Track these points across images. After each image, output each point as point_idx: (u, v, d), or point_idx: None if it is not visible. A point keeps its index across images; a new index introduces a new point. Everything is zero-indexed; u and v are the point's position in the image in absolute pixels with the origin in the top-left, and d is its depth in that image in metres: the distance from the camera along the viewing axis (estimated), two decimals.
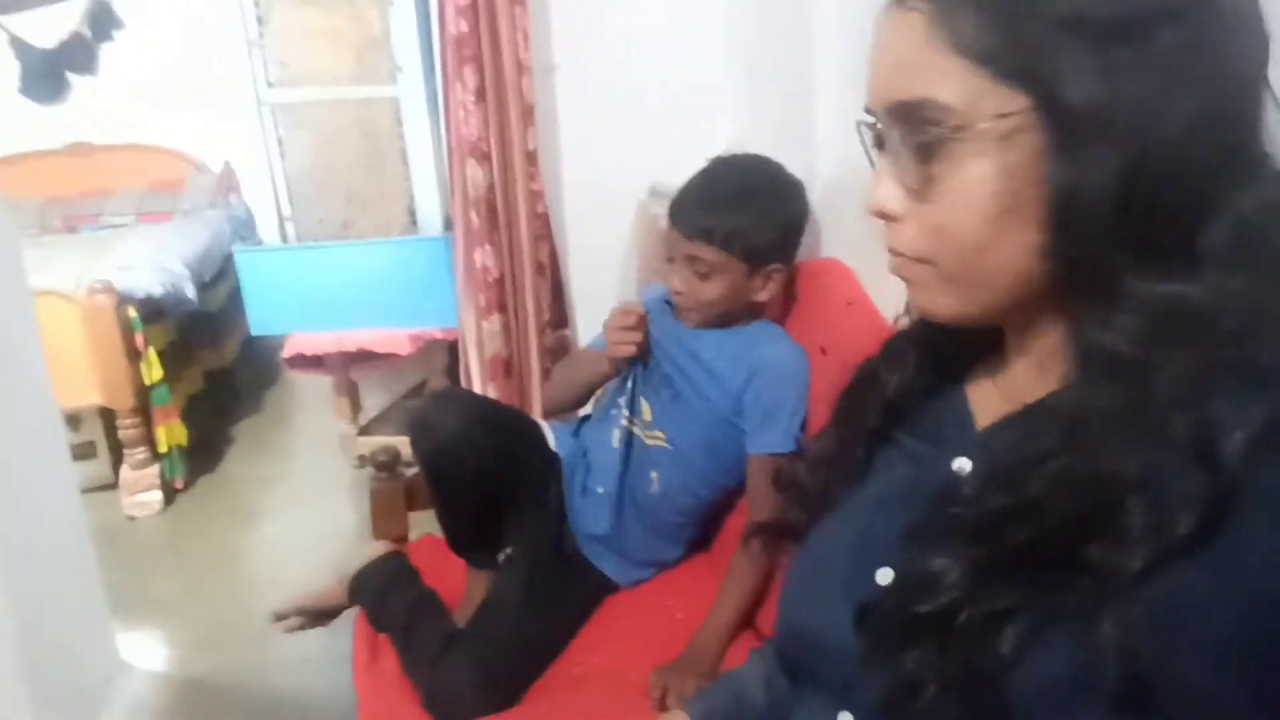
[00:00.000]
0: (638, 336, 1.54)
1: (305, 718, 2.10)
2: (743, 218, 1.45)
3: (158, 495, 3.06)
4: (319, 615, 1.67)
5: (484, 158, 2.06)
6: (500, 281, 2.10)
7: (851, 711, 0.65)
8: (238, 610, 2.53)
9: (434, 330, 3.09)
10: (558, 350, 2.20)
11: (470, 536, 1.60)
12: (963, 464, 0.65)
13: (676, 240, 1.49)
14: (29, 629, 1.81)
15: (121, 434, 3.01)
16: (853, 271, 1.61)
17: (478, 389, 2.19)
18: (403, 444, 1.82)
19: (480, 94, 2.01)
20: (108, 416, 3.09)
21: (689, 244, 1.46)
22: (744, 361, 1.49)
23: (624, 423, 1.60)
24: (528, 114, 2.07)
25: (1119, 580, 0.50)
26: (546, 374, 2.15)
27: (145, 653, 2.36)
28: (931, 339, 0.74)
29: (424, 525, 1.78)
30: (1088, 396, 0.56)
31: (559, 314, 2.22)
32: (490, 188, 2.07)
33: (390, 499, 1.82)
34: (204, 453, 3.35)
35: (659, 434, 1.56)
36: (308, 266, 3.13)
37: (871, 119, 0.64)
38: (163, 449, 3.06)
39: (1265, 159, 0.57)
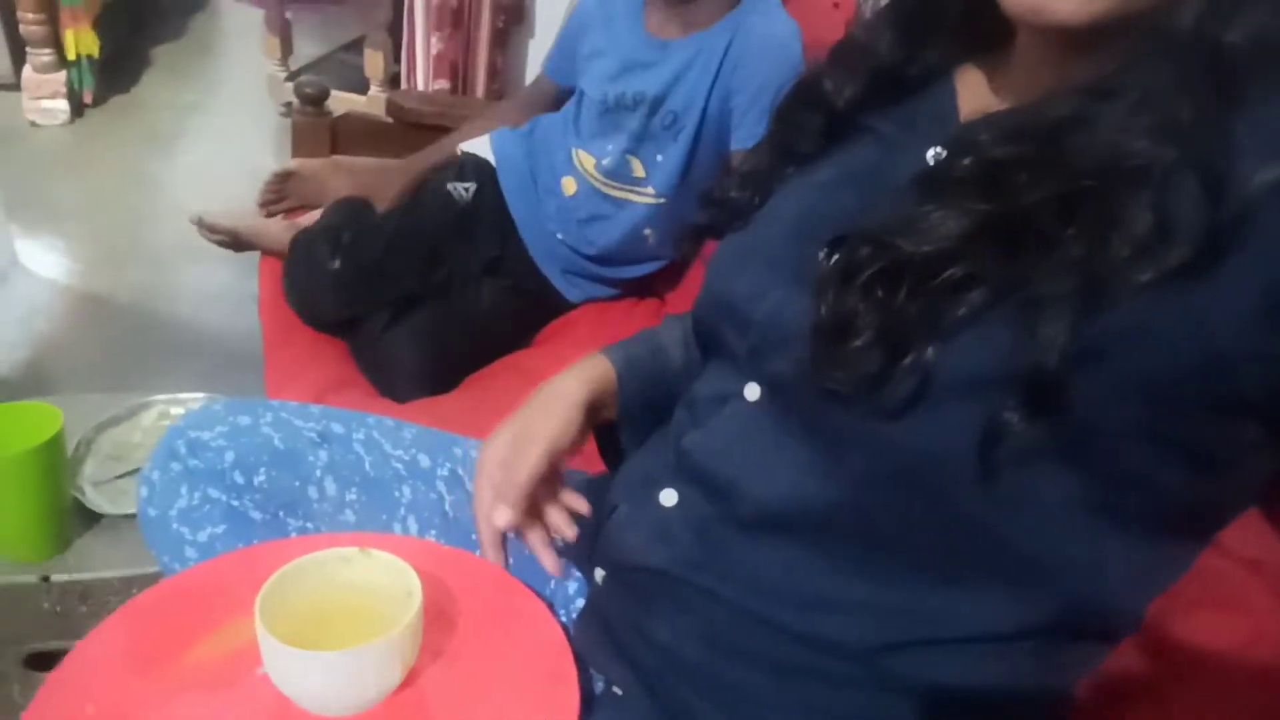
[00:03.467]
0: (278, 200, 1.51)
1: (200, 344, 2.06)
2: None
3: (64, 105, 2.86)
4: (243, 246, 1.58)
5: None
6: None
7: (759, 382, 0.64)
8: (143, 233, 2.45)
9: None
10: (513, 10, 2.03)
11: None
12: (939, 153, 0.60)
13: None
14: None
15: (23, 30, 2.76)
16: None
17: (420, 41, 2.03)
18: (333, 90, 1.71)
19: None
20: (7, 8, 2.81)
21: None
22: (723, 37, 1.29)
23: (586, 177, 1.42)
24: None
25: (1092, 280, 0.48)
26: (499, 35, 2.00)
27: (43, 260, 2.28)
28: (918, 22, 0.67)
29: None
30: (1150, 78, 0.50)
31: None
32: None
33: (314, 134, 1.71)
34: (117, 69, 3.12)
35: (649, 190, 1.39)
36: None
37: None
38: (71, 56, 2.82)
39: None
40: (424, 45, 2.02)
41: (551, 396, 0.74)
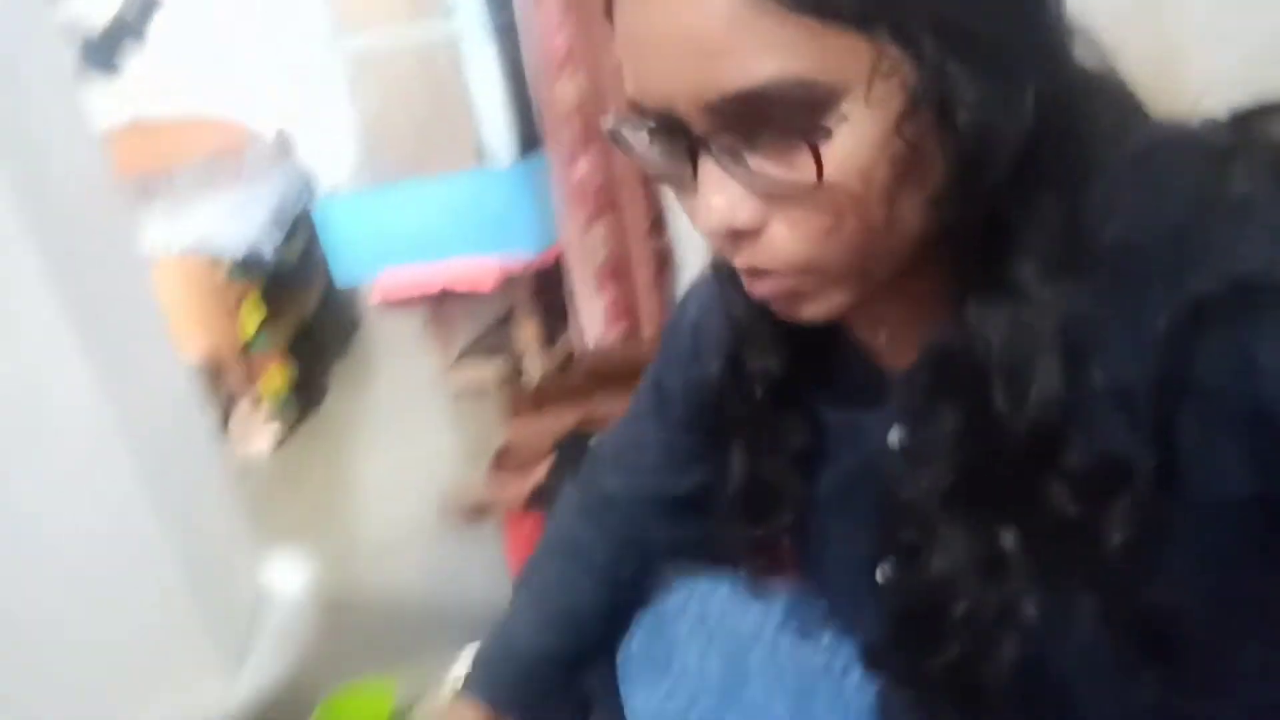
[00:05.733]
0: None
1: (451, 616, 2.09)
2: None
3: (268, 438, 3.20)
4: (485, 515, 1.71)
5: (575, 70, 2.08)
6: (601, 189, 2.14)
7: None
8: (363, 535, 2.62)
9: (515, 262, 3.11)
10: (662, 258, 2.24)
11: None
12: (899, 437, 0.62)
13: None
14: (190, 561, 1.87)
15: (230, 380, 3.13)
16: None
17: (587, 302, 2.24)
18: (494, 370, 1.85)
19: (568, 5, 2.03)
20: (208, 370, 3.20)
21: None
22: None
23: None
24: None
25: (1097, 539, 0.50)
26: (654, 283, 2.20)
27: (281, 581, 2.44)
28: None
29: None
30: (994, 343, 0.51)
31: (659, 221, 2.25)
32: (583, 100, 2.10)
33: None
34: (304, 395, 3.47)
35: None
36: (387, 207, 3.16)
37: (645, 120, 0.51)
38: (267, 394, 3.18)
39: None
40: (590, 302, 2.24)
41: None
